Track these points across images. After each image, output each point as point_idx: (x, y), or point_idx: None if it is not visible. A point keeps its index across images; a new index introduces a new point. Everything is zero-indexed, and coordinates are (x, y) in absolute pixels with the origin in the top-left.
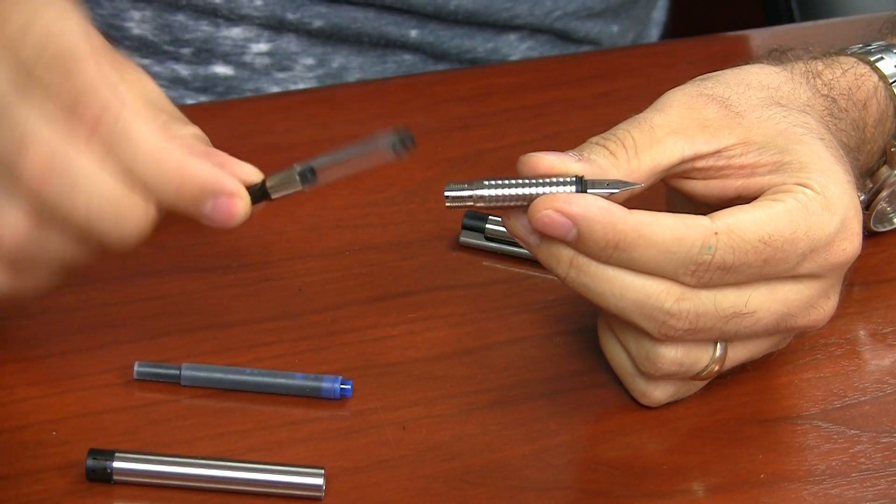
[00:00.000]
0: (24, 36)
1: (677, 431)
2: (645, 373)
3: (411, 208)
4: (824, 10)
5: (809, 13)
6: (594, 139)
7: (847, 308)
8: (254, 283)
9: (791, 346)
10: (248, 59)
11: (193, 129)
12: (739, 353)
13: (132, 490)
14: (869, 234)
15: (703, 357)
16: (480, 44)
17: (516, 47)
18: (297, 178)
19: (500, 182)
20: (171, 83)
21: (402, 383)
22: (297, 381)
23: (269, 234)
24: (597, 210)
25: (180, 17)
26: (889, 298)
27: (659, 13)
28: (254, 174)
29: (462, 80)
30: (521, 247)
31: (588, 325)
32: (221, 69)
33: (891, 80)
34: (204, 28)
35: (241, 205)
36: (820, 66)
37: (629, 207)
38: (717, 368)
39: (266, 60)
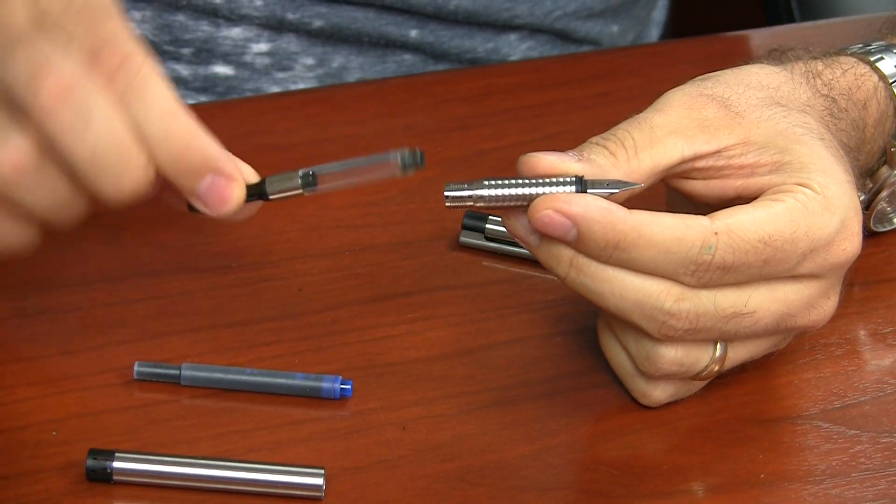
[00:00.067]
0: None
1: (677, 431)
2: (645, 373)
3: (411, 208)
4: (824, 10)
5: (809, 13)
6: (594, 139)
7: (847, 308)
8: (254, 283)
9: (791, 346)
10: (248, 58)
11: None
12: (739, 353)
13: (132, 490)
14: (869, 234)
15: (703, 357)
16: (480, 44)
17: (516, 47)
18: (299, 181)
19: (499, 182)
20: (172, 83)
21: (402, 383)
22: (297, 381)
23: (269, 234)
24: (596, 210)
25: (180, 18)
26: (889, 298)
27: (659, 13)
28: (252, 176)
29: (462, 80)
30: (521, 247)
31: (588, 325)
32: (221, 69)
33: (891, 80)
34: (204, 28)
35: (237, 192)
36: (820, 66)
37: (629, 207)
38: (717, 368)
39: (266, 60)
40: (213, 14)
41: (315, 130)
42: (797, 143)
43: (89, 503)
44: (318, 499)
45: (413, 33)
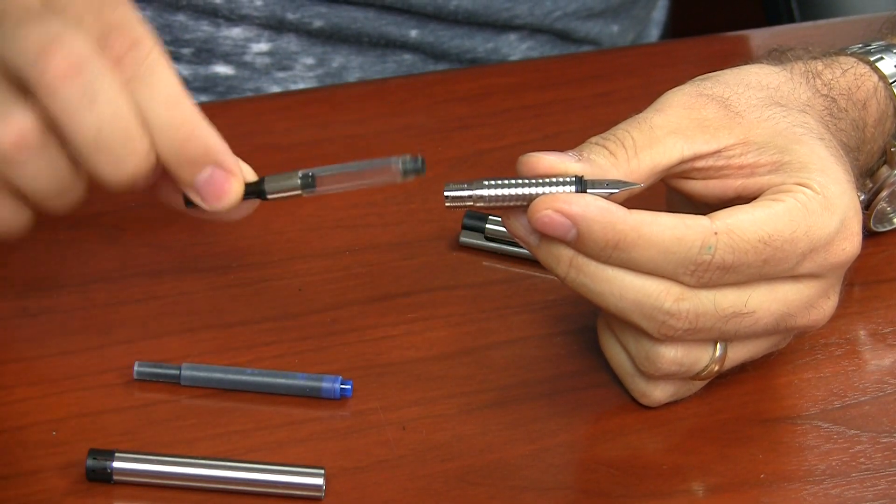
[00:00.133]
0: None
1: (677, 431)
2: (645, 373)
3: (411, 208)
4: (824, 10)
5: (809, 13)
6: (594, 139)
7: (847, 308)
8: (254, 283)
9: (791, 346)
10: (248, 58)
11: None
12: (739, 353)
13: (132, 490)
14: (869, 234)
15: (702, 357)
16: (480, 44)
17: (516, 47)
18: (298, 182)
19: (499, 182)
20: None
21: (402, 383)
22: (297, 381)
23: (269, 234)
24: (596, 210)
25: (181, 18)
26: (889, 298)
27: (659, 13)
28: (251, 175)
29: (462, 80)
30: (521, 247)
31: (588, 325)
32: (222, 69)
33: (891, 80)
34: (204, 28)
35: (235, 187)
36: (820, 66)
37: (629, 207)
38: (716, 368)
39: (266, 60)
40: (214, 14)
41: (315, 130)
42: (797, 143)
43: (89, 503)
44: (318, 499)
45: (413, 33)
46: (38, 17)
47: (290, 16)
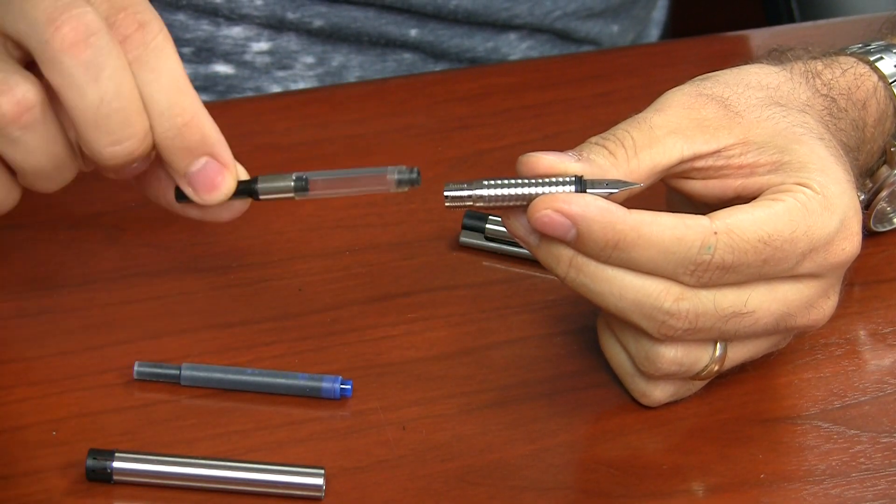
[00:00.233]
0: None
1: (677, 431)
2: (645, 373)
3: (411, 208)
4: (824, 10)
5: (809, 13)
6: (593, 139)
7: (847, 308)
8: (254, 283)
9: (791, 346)
10: (248, 57)
11: None
12: (739, 353)
13: (132, 490)
14: (869, 234)
15: (702, 357)
16: (480, 43)
17: (516, 47)
18: (291, 184)
19: (499, 182)
20: None
21: (402, 383)
22: (297, 381)
23: (269, 234)
24: (596, 210)
25: (181, 17)
26: (889, 298)
27: (659, 13)
28: (244, 175)
29: (462, 79)
30: (521, 247)
31: (588, 325)
32: (222, 68)
33: (890, 80)
34: (204, 27)
35: (228, 181)
36: (819, 65)
37: (629, 207)
38: (716, 368)
39: (266, 59)
40: (214, 13)
41: (315, 130)
42: (796, 143)
43: (89, 503)
44: (318, 499)
45: (413, 33)
46: None
47: (291, 15)
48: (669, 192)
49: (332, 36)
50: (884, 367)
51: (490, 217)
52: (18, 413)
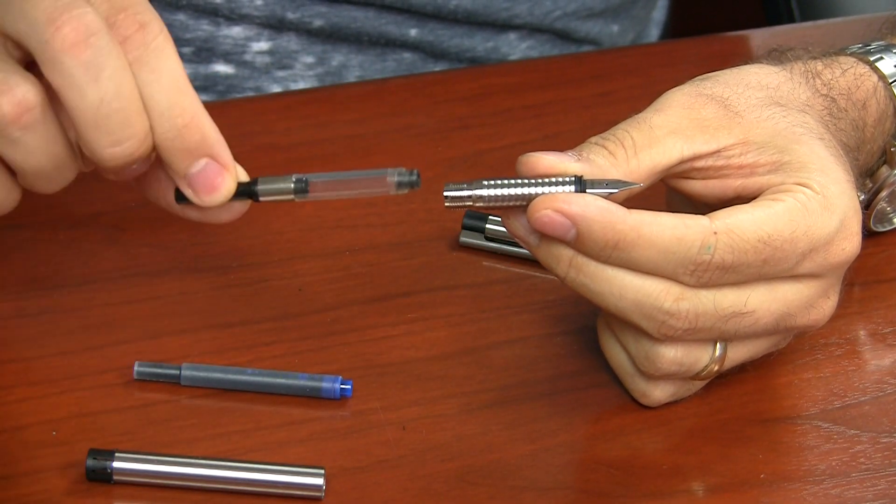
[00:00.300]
0: None
1: (677, 431)
2: (645, 373)
3: (411, 208)
4: (824, 10)
5: (809, 13)
6: (593, 139)
7: (847, 308)
8: (254, 283)
9: (791, 346)
10: (248, 57)
11: None
12: (739, 353)
13: (132, 490)
14: (869, 234)
15: (702, 357)
16: (480, 43)
17: (516, 46)
18: (291, 186)
19: (499, 182)
20: None
21: (402, 383)
22: (297, 381)
23: (269, 234)
24: (596, 210)
25: (181, 17)
26: (889, 298)
27: (659, 13)
28: (244, 177)
29: (462, 79)
30: (521, 247)
31: (588, 325)
32: (222, 68)
33: (890, 80)
34: (204, 27)
35: (228, 182)
36: (819, 65)
37: (629, 207)
38: (716, 368)
39: (266, 59)
40: (214, 13)
41: (315, 130)
42: (796, 143)
43: (89, 503)
44: (318, 499)
45: (413, 32)
46: None
47: (291, 15)
48: (669, 192)
49: (332, 36)
50: (884, 367)
51: (490, 217)
52: (18, 413)
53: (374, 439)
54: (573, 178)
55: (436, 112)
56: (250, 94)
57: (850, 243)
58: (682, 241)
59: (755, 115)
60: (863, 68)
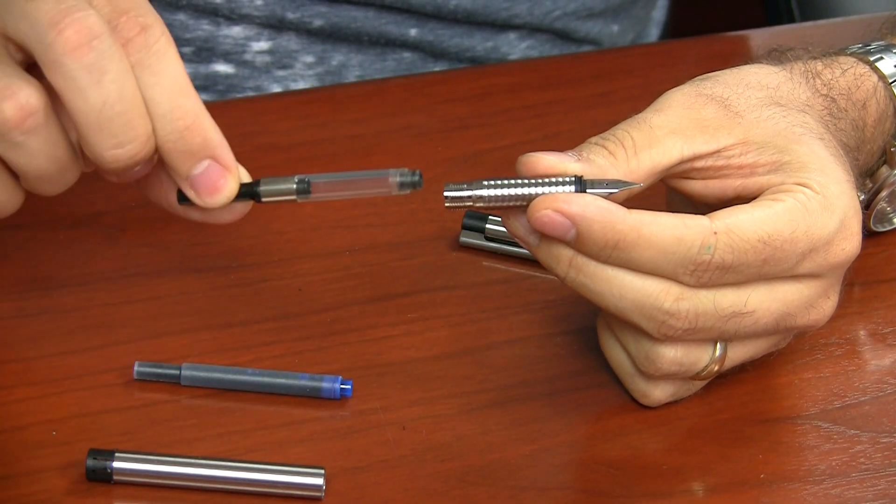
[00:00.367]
0: None
1: (677, 431)
2: (645, 373)
3: (411, 208)
4: (824, 10)
5: (809, 13)
6: (593, 139)
7: (847, 308)
8: (254, 283)
9: (791, 346)
10: (248, 57)
11: None
12: (739, 353)
13: (132, 490)
14: (869, 234)
15: (702, 357)
16: (479, 42)
17: (516, 46)
18: (294, 186)
19: (499, 182)
20: None
21: (402, 383)
22: (298, 381)
23: (269, 234)
24: (596, 210)
25: (181, 17)
26: (889, 298)
27: (659, 13)
28: (246, 177)
29: (462, 79)
30: (521, 247)
31: (588, 325)
32: (222, 67)
33: (890, 80)
34: (204, 27)
35: (230, 184)
36: (819, 65)
37: (629, 207)
38: (716, 368)
39: (266, 58)
40: (214, 13)
41: (315, 130)
42: (796, 143)
43: (89, 503)
44: (318, 499)
45: (412, 32)
46: None
47: (290, 15)
48: (669, 192)
49: (331, 35)
50: (884, 367)
51: (490, 217)
52: (18, 413)
53: (374, 439)
54: (573, 178)
55: (436, 112)
56: (250, 93)
57: (850, 243)
58: (682, 241)
59: (755, 115)
60: (863, 68)
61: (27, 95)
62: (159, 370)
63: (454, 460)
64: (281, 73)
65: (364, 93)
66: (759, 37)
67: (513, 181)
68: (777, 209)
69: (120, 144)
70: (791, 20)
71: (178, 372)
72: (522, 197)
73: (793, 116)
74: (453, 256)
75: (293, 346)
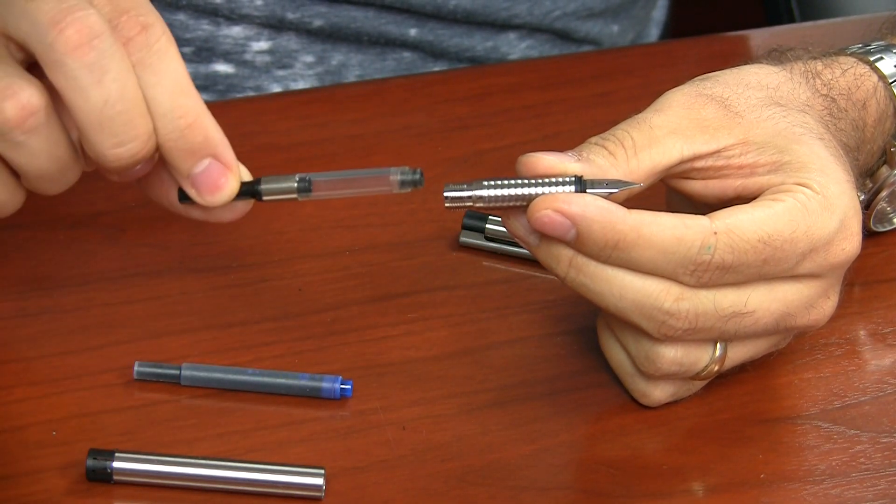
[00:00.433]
0: None
1: (677, 431)
2: (645, 373)
3: (411, 208)
4: (824, 10)
5: (809, 13)
6: (593, 139)
7: (847, 308)
8: (254, 283)
9: (791, 346)
10: (248, 57)
11: None
12: (739, 353)
13: (132, 490)
14: (869, 234)
15: (702, 357)
16: (479, 42)
17: (515, 46)
18: (295, 185)
19: (499, 182)
20: None
21: (402, 383)
22: (298, 381)
23: (269, 234)
24: (596, 210)
25: (181, 17)
26: (889, 298)
27: (659, 13)
28: (247, 176)
29: (462, 79)
30: (521, 247)
31: (588, 325)
32: (222, 67)
33: (890, 80)
34: (204, 27)
35: (231, 182)
36: (819, 66)
37: (629, 207)
38: (716, 368)
39: (266, 58)
40: (214, 13)
41: (315, 130)
42: (796, 143)
43: (89, 503)
44: (318, 499)
45: (412, 32)
46: None
47: (290, 15)
48: (669, 192)
49: (331, 35)
50: (884, 367)
51: (490, 217)
52: (18, 413)
53: (374, 439)
54: (573, 179)
55: (436, 112)
56: (250, 93)
57: (850, 243)
58: (682, 241)
59: (755, 115)
60: (863, 68)
61: (28, 95)
62: (159, 370)
63: (454, 460)
64: (281, 72)
65: (364, 93)
66: (759, 37)
67: (513, 181)
68: (777, 209)
69: (121, 143)
70: (791, 20)
71: (178, 372)
72: (522, 197)
73: (793, 116)
74: (453, 256)
75: (293, 346)
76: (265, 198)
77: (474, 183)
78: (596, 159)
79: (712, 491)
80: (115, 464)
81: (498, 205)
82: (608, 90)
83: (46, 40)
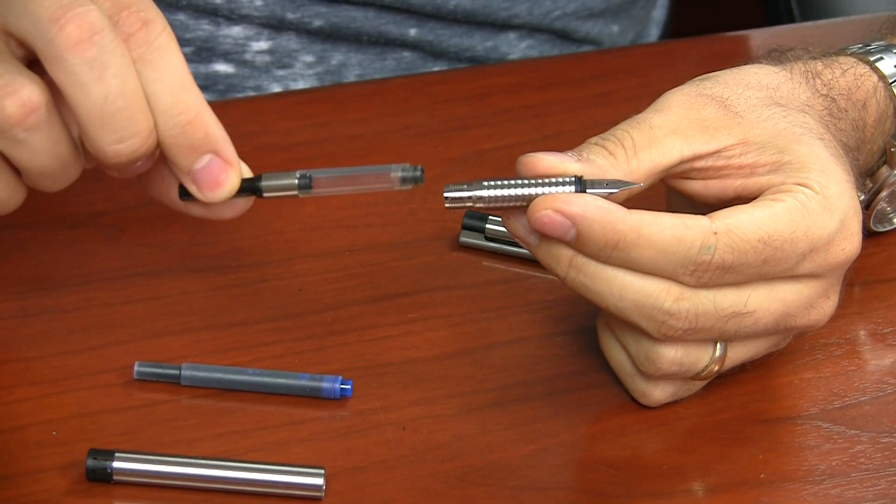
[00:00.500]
0: None
1: (677, 431)
2: (645, 373)
3: (411, 208)
4: (824, 10)
5: (809, 13)
6: (593, 139)
7: (847, 308)
8: (254, 283)
9: (791, 346)
10: (248, 56)
11: None
12: (739, 353)
13: (132, 490)
14: (869, 234)
15: (702, 357)
16: (479, 42)
17: (515, 46)
18: (296, 182)
19: (499, 183)
20: None
21: (402, 383)
22: (298, 381)
23: (269, 234)
24: (596, 210)
25: (181, 17)
26: (889, 298)
27: (659, 13)
28: (248, 173)
29: (462, 79)
30: (521, 247)
31: (588, 325)
32: (222, 67)
33: (890, 80)
34: (204, 27)
35: (232, 178)
36: (819, 66)
37: (629, 207)
38: (716, 368)
39: (266, 58)
40: (214, 13)
41: (315, 130)
42: (796, 143)
43: (89, 503)
44: (318, 499)
45: (412, 32)
46: None
47: (290, 15)
48: (669, 192)
49: (331, 35)
50: (884, 367)
51: (490, 217)
52: (18, 413)
53: (374, 439)
54: (573, 179)
55: (436, 112)
56: (250, 93)
57: (850, 243)
58: (682, 241)
59: (755, 115)
60: (863, 68)
61: (29, 92)
62: (159, 370)
63: (454, 460)
64: (281, 72)
65: (364, 93)
66: (759, 37)
67: (513, 181)
68: (777, 209)
69: (122, 139)
70: (791, 20)
71: (178, 372)
72: (522, 197)
73: (793, 116)
74: (453, 256)
75: (293, 346)
76: (266, 194)
77: (474, 183)
78: (596, 159)
79: (712, 491)
80: (115, 464)
81: (498, 205)
82: (608, 90)
83: (47, 36)
